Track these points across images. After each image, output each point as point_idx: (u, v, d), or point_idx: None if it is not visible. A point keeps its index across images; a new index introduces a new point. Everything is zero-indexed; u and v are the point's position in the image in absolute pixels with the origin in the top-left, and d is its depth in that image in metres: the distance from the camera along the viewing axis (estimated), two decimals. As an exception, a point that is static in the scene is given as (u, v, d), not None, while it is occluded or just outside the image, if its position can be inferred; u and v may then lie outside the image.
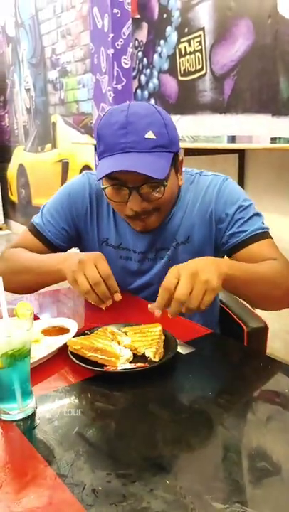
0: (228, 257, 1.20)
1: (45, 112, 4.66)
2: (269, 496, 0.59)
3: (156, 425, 0.72)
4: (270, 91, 2.21)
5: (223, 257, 1.20)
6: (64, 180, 4.41)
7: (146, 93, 3.07)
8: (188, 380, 0.86)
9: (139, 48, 3.08)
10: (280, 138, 2.17)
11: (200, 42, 2.58)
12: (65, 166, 4.38)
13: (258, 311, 1.61)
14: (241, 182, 2.50)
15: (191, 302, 0.84)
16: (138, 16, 3.05)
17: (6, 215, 6.11)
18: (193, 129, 2.65)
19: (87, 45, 3.55)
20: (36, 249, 1.21)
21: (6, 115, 5.81)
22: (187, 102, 2.70)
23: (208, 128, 2.58)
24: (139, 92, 3.15)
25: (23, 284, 1.17)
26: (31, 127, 5.09)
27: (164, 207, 1.10)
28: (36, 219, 1.24)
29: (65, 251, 1.22)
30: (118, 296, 0.95)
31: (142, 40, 3.05)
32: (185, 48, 2.69)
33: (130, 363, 0.86)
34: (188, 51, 2.68)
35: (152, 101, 2.96)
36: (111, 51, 3.05)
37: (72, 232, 1.24)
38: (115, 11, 3.00)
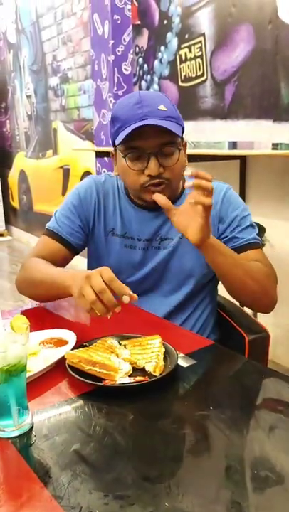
0: None
1: (46, 118, 4.67)
2: (273, 518, 0.56)
3: (156, 442, 0.70)
4: (271, 96, 2.20)
5: None
6: (65, 186, 4.41)
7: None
8: (189, 395, 0.84)
9: (139, 54, 3.08)
10: (281, 143, 2.16)
11: (200, 48, 2.57)
12: (66, 172, 4.37)
13: (259, 319, 1.59)
14: (243, 188, 2.48)
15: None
16: (138, 23, 3.05)
17: (7, 221, 6.11)
18: (194, 135, 2.64)
19: (87, 51, 3.55)
20: (57, 252, 1.25)
21: (8, 121, 5.82)
22: (188, 107, 2.70)
23: (209, 134, 2.57)
24: (139, 98, 3.14)
25: (38, 295, 1.23)
26: (32, 133, 5.10)
27: (174, 179, 1.16)
28: (51, 224, 1.28)
29: (83, 249, 1.31)
30: (126, 299, 0.94)
31: (142, 47, 3.05)
32: (185, 53, 2.69)
33: (130, 376, 0.85)
34: (188, 57, 2.67)
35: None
36: (111, 57, 3.05)
37: (86, 228, 1.28)
38: (116, 17, 3.00)
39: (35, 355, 0.91)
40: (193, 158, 2.35)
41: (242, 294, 1.17)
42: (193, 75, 2.65)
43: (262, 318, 2.15)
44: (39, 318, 1.17)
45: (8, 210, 6.10)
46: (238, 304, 1.41)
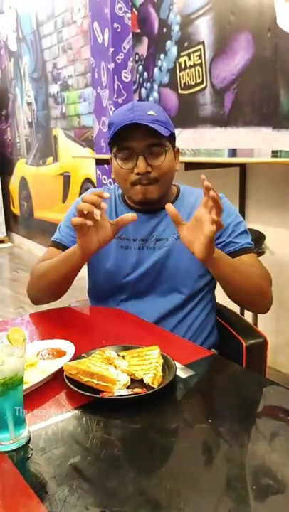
0: None
1: (47, 125, 4.68)
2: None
3: (154, 456, 0.70)
4: (270, 104, 2.20)
5: None
6: (65, 193, 4.41)
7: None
8: (188, 406, 0.83)
9: (139, 62, 3.09)
10: (281, 151, 2.16)
11: (200, 56, 2.58)
12: (66, 179, 4.38)
13: (260, 327, 1.58)
14: (242, 195, 2.48)
15: None
16: (138, 31, 3.06)
17: (8, 228, 6.12)
18: (194, 142, 2.64)
19: (87, 59, 3.56)
20: None
21: (8, 128, 5.84)
22: (188, 115, 2.70)
23: (209, 141, 2.57)
24: (139, 105, 3.15)
25: (52, 281, 1.24)
26: (33, 141, 5.11)
27: (162, 178, 1.22)
28: (55, 235, 1.34)
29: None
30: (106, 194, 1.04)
31: (142, 54, 3.06)
32: (185, 61, 2.70)
33: (128, 388, 0.84)
34: (188, 65, 2.68)
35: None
36: (111, 65, 3.06)
37: None
38: (115, 25, 3.01)
39: (32, 367, 0.90)
40: (192, 166, 2.36)
41: (242, 296, 1.21)
42: (193, 83, 2.66)
43: (263, 326, 2.14)
44: (37, 328, 1.17)
45: (9, 216, 6.10)
46: (235, 309, 1.41)
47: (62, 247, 1.29)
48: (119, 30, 3.03)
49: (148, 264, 1.27)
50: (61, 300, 1.31)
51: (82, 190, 4.04)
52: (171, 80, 2.83)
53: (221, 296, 1.29)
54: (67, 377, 0.85)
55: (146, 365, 0.88)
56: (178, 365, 0.91)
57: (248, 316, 2.11)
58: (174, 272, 1.27)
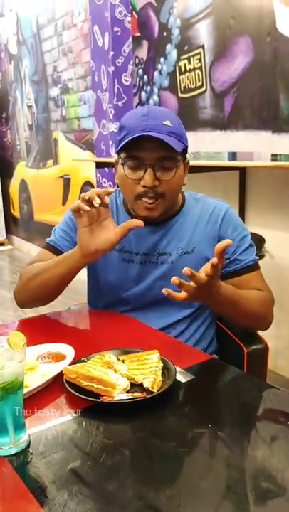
0: (222, 279, 1.23)
1: (47, 128, 4.69)
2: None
3: (154, 461, 0.70)
4: (270, 108, 2.21)
5: None
6: (65, 195, 4.42)
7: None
8: (187, 411, 0.83)
9: (139, 66, 3.10)
10: (280, 154, 2.17)
11: (200, 59, 2.59)
12: (66, 182, 4.39)
13: (259, 331, 1.58)
14: (242, 199, 2.49)
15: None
16: (138, 34, 3.07)
17: (8, 231, 6.12)
18: (194, 145, 2.65)
19: (88, 62, 3.57)
20: None
21: (9, 131, 5.85)
22: (187, 118, 2.71)
23: (209, 145, 2.57)
24: (139, 108, 3.15)
25: (45, 282, 1.18)
26: (33, 143, 5.12)
27: (169, 194, 1.17)
28: (49, 238, 1.30)
29: None
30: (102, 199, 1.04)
31: (142, 58, 3.07)
32: (185, 65, 2.71)
33: (127, 392, 0.84)
34: (188, 68, 2.69)
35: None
36: (111, 69, 3.07)
37: None
38: (116, 29, 3.02)
39: (32, 371, 0.90)
40: (192, 169, 2.36)
41: (242, 323, 1.22)
42: (193, 86, 2.67)
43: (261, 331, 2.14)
44: (37, 332, 1.16)
45: (9, 219, 6.11)
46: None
47: (56, 251, 1.25)
48: (119, 33, 3.04)
49: (150, 280, 1.24)
50: (61, 303, 1.31)
51: (82, 193, 4.04)
52: (171, 84, 2.84)
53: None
54: (66, 381, 0.85)
55: (146, 369, 0.88)
56: (178, 369, 0.91)
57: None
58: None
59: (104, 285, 1.29)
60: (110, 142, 3.18)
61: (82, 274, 1.35)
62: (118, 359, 0.94)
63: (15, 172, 5.79)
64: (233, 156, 2.43)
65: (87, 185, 3.97)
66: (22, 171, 5.55)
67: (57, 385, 0.87)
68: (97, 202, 1.03)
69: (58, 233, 1.29)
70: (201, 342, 1.28)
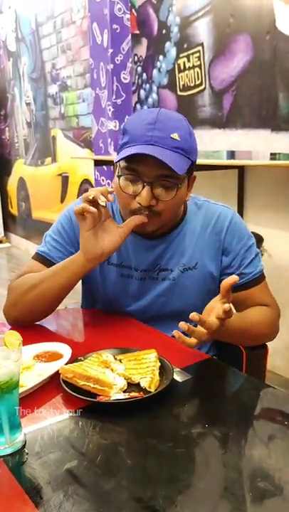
0: None
1: (45, 126, 4.67)
2: None
3: (151, 461, 0.69)
4: (269, 106, 2.20)
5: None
6: (64, 194, 4.41)
7: (145, 108, 3.07)
8: (184, 411, 0.83)
9: (138, 63, 3.09)
10: (279, 153, 2.16)
11: (199, 57, 2.58)
12: (65, 180, 4.38)
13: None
14: (241, 197, 2.48)
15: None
16: (137, 32, 3.06)
17: (6, 228, 6.11)
18: (193, 144, 2.63)
19: (87, 60, 3.56)
20: None
21: (7, 129, 5.83)
22: (186, 116, 2.66)
23: (208, 143, 2.57)
24: (138, 106, 3.15)
25: (44, 293, 1.09)
26: (31, 141, 5.10)
27: (166, 213, 1.07)
28: (41, 248, 1.20)
29: None
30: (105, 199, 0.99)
31: (141, 56, 3.06)
32: (184, 63, 2.70)
33: (124, 392, 0.83)
34: (187, 66, 2.68)
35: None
36: (110, 66, 3.06)
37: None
38: (115, 26, 3.01)
39: (29, 370, 0.90)
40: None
41: (249, 345, 1.18)
42: (192, 84, 2.66)
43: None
44: (34, 330, 1.16)
45: (7, 217, 6.09)
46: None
47: (48, 263, 1.16)
48: (118, 31, 3.03)
49: (150, 297, 1.18)
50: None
51: (81, 191, 4.04)
52: (170, 82, 2.83)
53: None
54: (63, 380, 0.85)
55: (144, 368, 0.88)
56: (175, 368, 0.90)
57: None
58: (179, 307, 1.17)
59: (101, 299, 1.24)
60: (109, 140, 3.17)
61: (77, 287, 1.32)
62: (115, 358, 0.94)
63: (13, 170, 5.77)
64: (231, 154, 2.43)
65: (86, 183, 3.96)
66: (20, 169, 5.54)
67: (53, 385, 0.87)
68: (102, 200, 0.98)
69: (50, 243, 1.19)
70: (201, 350, 1.27)
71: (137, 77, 3.12)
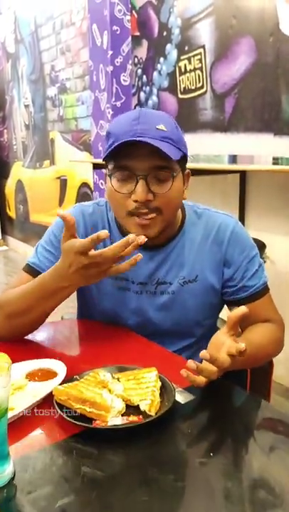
0: (228, 305, 1.18)
1: (44, 128, 4.62)
2: None
3: (151, 496, 0.63)
4: (272, 110, 2.15)
5: (222, 301, 1.17)
6: (62, 197, 4.35)
7: (145, 111, 3.02)
8: (187, 437, 0.77)
9: (138, 65, 3.04)
10: (282, 158, 2.11)
11: (200, 60, 2.53)
12: (63, 183, 4.32)
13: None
14: (242, 202, 2.43)
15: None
16: (138, 34, 3.01)
17: (3, 231, 6.06)
18: (194, 147, 2.58)
19: (86, 61, 3.51)
20: None
21: (5, 131, 5.78)
22: (187, 120, 2.65)
23: (209, 147, 2.52)
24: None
25: (30, 323, 1.06)
26: (30, 143, 5.05)
27: (167, 209, 1.01)
28: (31, 259, 1.14)
29: None
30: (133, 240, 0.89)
31: (141, 58, 3.01)
32: (185, 65, 2.65)
33: (122, 415, 0.78)
34: (188, 69, 2.63)
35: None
36: (110, 68, 3.01)
37: None
38: (115, 28, 2.96)
39: (20, 390, 0.84)
40: (192, 173, 2.31)
41: (256, 366, 1.17)
42: (193, 87, 2.61)
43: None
44: (26, 345, 1.09)
45: (5, 219, 6.04)
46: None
47: (38, 275, 1.06)
48: (118, 32, 2.98)
49: (148, 313, 1.13)
50: (54, 311, 1.23)
51: (79, 194, 3.98)
52: (170, 84, 2.78)
53: (222, 314, 1.22)
54: (57, 403, 0.79)
55: (143, 389, 0.82)
56: (177, 388, 0.85)
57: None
58: (179, 322, 1.13)
59: (97, 313, 1.18)
60: (108, 143, 3.12)
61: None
62: (113, 377, 0.88)
63: (11, 172, 5.72)
64: (233, 159, 2.38)
65: (84, 186, 3.90)
66: (18, 171, 5.49)
67: (46, 406, 0.81)
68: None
69: (42, 253, 1.13)
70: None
71: (137, 79, 3.07)
